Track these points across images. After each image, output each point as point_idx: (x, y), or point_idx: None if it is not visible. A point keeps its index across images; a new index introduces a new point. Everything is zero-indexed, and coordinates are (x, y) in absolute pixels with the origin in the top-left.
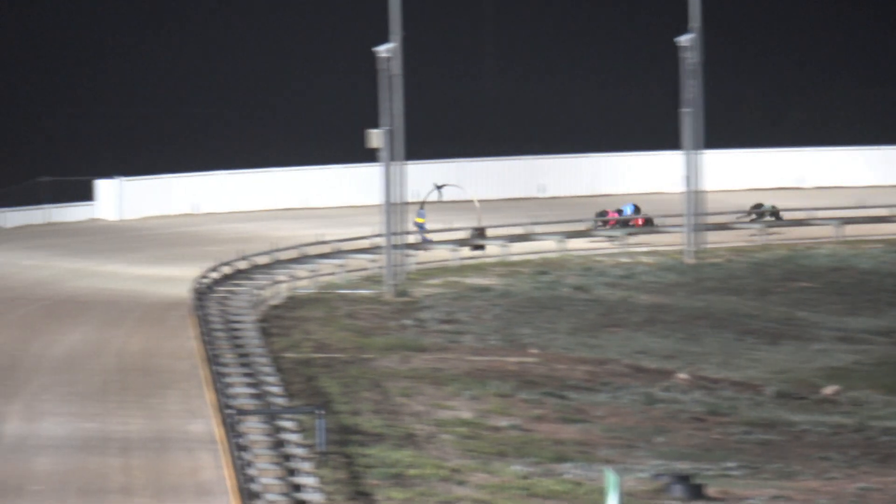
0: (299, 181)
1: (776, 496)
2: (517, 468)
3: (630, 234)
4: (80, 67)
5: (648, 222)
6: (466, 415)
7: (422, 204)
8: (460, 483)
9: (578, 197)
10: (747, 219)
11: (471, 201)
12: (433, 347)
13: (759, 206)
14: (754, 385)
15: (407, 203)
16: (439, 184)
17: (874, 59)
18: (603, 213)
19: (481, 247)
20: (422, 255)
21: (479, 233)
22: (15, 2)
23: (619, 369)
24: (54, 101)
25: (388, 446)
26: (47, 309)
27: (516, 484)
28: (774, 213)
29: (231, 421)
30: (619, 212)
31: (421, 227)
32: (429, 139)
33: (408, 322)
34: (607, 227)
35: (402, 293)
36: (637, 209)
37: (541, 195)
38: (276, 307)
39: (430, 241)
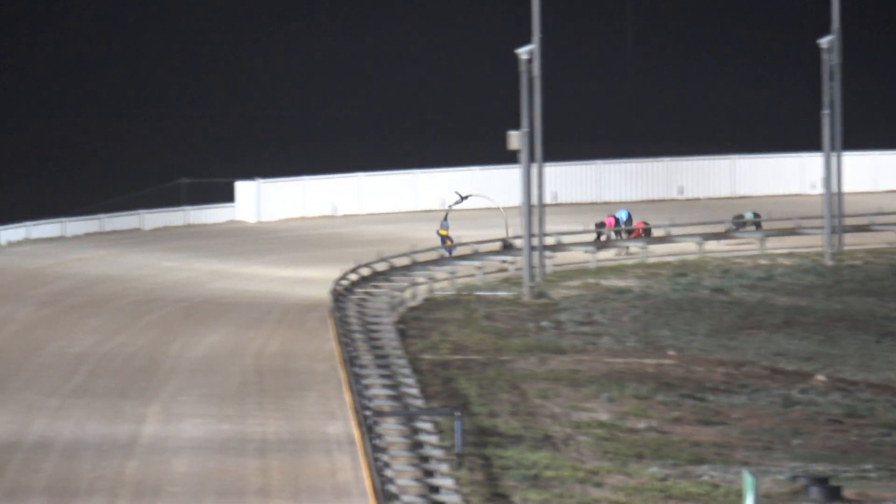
0: (438, 182)
1: None
2: (654, 470)
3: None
4: (222, 71)
5: (647, 232)
6: (604, 416)
7: (446, 215)
8: (597, 485)
9: (717, 199)
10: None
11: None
12: (571, 349)
13: (740, 216)
14: (892, 387)
15: (545, 205)
16: (463, 194)
17: None
18: (601, 224)
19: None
20: (559, 257)
21: (507, 244)
22: (161, 9)
23: (757, 371)
24: (196, 103)
25: (526, 448)
26: (186, 310)
27: (653, 486)
28: (756, 222)
29: (369, 422)
30: (616, 220)
31: (444, 238)
32: (568, 141)
33: (546, 324)
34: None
35: (540, 295)
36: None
37: (679, 197)
38: (414, 309)
39: (452, 252)
